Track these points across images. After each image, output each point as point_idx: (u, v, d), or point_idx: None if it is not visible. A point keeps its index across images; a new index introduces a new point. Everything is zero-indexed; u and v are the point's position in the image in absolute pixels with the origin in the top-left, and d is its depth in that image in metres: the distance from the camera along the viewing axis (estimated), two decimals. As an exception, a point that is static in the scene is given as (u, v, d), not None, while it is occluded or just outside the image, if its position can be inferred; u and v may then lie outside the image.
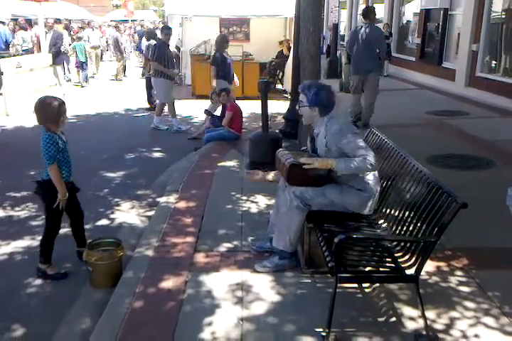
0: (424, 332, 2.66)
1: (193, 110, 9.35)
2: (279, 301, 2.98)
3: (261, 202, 4.58)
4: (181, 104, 9.50)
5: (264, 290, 3.09)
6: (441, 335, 2.66)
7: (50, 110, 3.43)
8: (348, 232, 2.94)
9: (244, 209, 4.42)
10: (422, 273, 2.76)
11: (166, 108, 8.45)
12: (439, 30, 12.03)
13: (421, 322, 2.72)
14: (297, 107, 3.32)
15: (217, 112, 7.63)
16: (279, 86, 12.30)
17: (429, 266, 3.28)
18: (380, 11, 16.14)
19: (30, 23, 16.30)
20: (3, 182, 5.72)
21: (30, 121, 9.02)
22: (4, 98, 9.44)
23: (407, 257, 2.72)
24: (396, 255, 2.80)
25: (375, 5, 16.88)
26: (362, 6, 17.92)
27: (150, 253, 3.61)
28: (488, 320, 2.78)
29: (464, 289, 3.10)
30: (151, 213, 4.64)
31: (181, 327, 2.73)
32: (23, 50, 13.69)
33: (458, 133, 7.28)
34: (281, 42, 12.38)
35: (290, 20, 11.23)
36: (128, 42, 15.83)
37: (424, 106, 9.33)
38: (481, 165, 5.68)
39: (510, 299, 2.98)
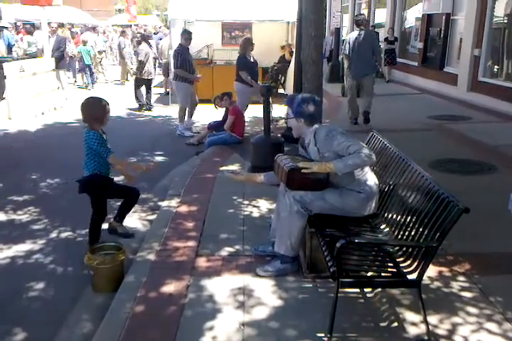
0: (426, 338, 2.65)
1: (195, 114, 9.35)
2: (280, 306, 2.97)
3: (263, 206, 4.58)
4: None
5: (266, 294, 3.09)
6: (443, 341, 2.65)
7: (96, 109, 3.74)
8: (349, 237, 2.94)
9: (245, 213, 4.42)
10: (424, 278, 2.75)
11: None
12: (441, 35, 12.04)
13: (423, 328, 2.71)
14: (285, 120, 3.36)
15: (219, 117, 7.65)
16: (281, 90, 12.32)
17: (431, 271, 3.27)
18: (382, 16, 16.21)
19: (32, 28, 16.36)
20: (5, 185, 5.74)
21: (33, 124, 9.08)
22: (7, 102, 9.48)
23: (409, 262, 2.71)
24: (398, 260, 2.80)
25: (377, 10, 17.00)
26: (364, 11, 17.98)
27: (152, 257, 3.61)
28: (491, 326, 2.77)
29: (466, 294, 3.09)
30: (152, 217, 4.64)
31: (183, 332, 2.73)
32: (27, 54, 13.77)
33: (460, 138, 7.28)
34: (283, 47, 12.40)
35: (292, 25, 11.25)
36: (130, 46, 15.90)
37: (426, 110, 9.34)
38: (482, 170, 5.67)
39: (513, 304, 2.97)
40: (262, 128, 5.83)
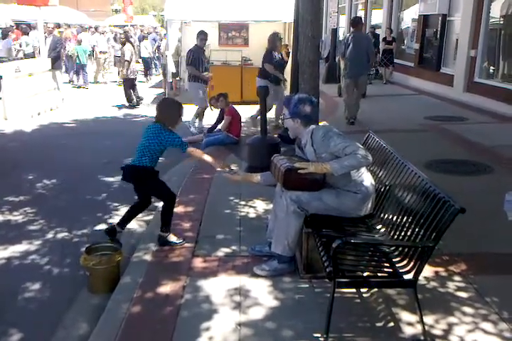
0: (422, 338, 2.66)
1: (191, 115, 9.35)
2: (277, 306, 2.97)
3: (259, 206, 4.58)
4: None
5: (262, 295, 3.09)
6: (439, 341, 2.66)
7: (173, 111, 3.78)
8: (346, 237, 2.94)
9: (242, 213, 4.43)
10: (420, 278, 2.76)
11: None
12: (438, 35, 12.07)
13: (419, 328, 2.72)
14: (281, 121, 3.37)
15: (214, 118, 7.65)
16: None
17: (427, 271, 3.28)
18: (379, 17, 16.23)
19: (28, 28, 16.33)
20: (1, 186, 5.72)
21: (29, 125, 9.05)
22: (3, 102, 9.45)
23: (405, 262, 2.72)
24: (394, 260, 2.80)
25: (373, 11, 17.03)
26: (360, 12, 18.02)
27: (148, 258, 3.61)
28: (487, 326, 2.78)
29: (462, 294, 3.10)
30: (149, 218, 4.64)
31: (179, 333, 2.73)
32: (25, 55, 13.76)
33: (456, 139, 7.30)
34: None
35: (289, 26, 11.26)
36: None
37: (422, 111, 9.36)
38: (478, 171, 5.69)
39: (509, 304, 2.98)
40: (259, 128, 5.83)
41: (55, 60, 11.20)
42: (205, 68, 8.26)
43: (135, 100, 11.20)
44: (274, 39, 8.04)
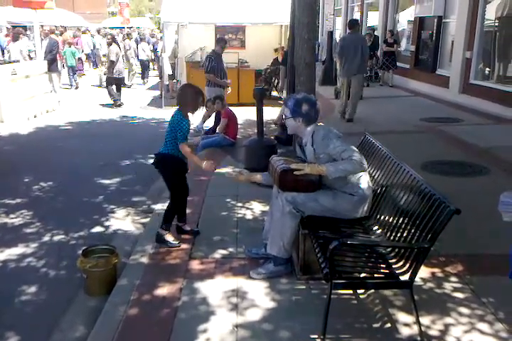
0: (418, 338, 2.67)
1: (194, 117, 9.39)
2: (274, 308, 2.97)
3: (256, 208, 4.58)
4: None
5: (259, 296, 3.09)
6: (435, 341, 2.67)
7: (188, 97, 3.79)
8: (342, 238, 2.95)
9: (239, 215, 4.43)
10: (417, 279, 2.77)
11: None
12: (433, 37, 12.12)
13: (415, 329, 2.72)
14: (283, 121, 3.37)
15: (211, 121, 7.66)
16: (274, 93, 12.36)
17: (424, 272, 3.29)
18: (375, 19, 16.29)
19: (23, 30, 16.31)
20: (-2, 189, 5.71)
21: (25, 127, 9.04)
22: (-1, 105, 9.44)
23: (401, 263, 2.72)
24: (390, 261, 2.81)
25: (369, 12, 17.09)
26: (357, 14, 18.07)
27: (145, 260, 3.61)
28: (483, 326, 2.79)
29: (458, 295, 3.11)
30: (146, 220, 4.63)
31: (176, 335, 2.73)
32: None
33: (452, 140, 7.33)
34: (276, 50, 12.45)
35: (285, 28, 11.29)
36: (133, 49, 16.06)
37: (418, 113, 9.39)
38: (474, 172, 5.71)
39: (505, 305, 2.99)
40: (256, 130, 5.84)
41: (51, 63, 11.19)
42: (223, 74, 8.27)
43: (118, 98, 11.53)
44: None
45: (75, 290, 3.48)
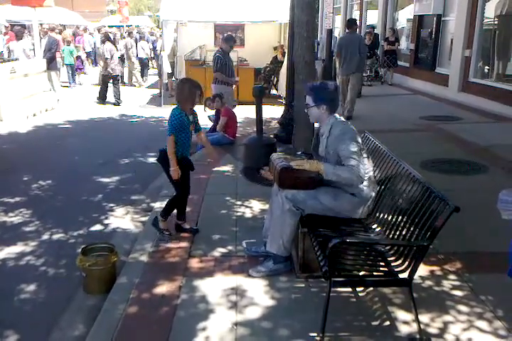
0: (417, 336, 2.67)
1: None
2: (273, 306, 2.98)
3: (255, 206, 4.58)
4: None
5: (259, 294, 3.09)
6: (434, 339, 2.67)
7: (183, 92, 3.77)
8: (342, 237, 2.95)
9: (238, 214, 4.43)
10: (415, 277, 2.77)
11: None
12: (433, 36, 12.12)
13: (414, 326, 2.73)
14: (305, 110, 3.33)
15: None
16: (273, 91, 12.34)
17: (423, 270, 3.29)
18: (374, 17, 16.27)
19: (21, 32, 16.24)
20: (-3, 187, 5.70)
21: (24, 126, 9.03)
22: (-2, 103, 9.42)
23: (400, 261, 2.73)
24: (389, 259, 2.82)
25: (368, 11, 17.06)
26: (356, 12, 18.05)
27: (144, 258, 3.61)
28: (482, 324, 2.80)
29: (457, 293, 3.11)
30: (145, 218, 4.63)
31: (175, 333, 2.73)
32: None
33: (451, 138, 7.33)
34: (275, 48, 12.44)
35: (284, 26, 11.27)
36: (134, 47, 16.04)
37: (418, 111, 9.39)
38: (474, 170, 5.71)
39: (503, 303, 2.99)
40: (255, 128, 5.84)
41: (50, 61, 11.18)
42: (231, 72, 8.25)
43: (114, 99, 11.64)
44: None
45: (74, 288, 3.48)
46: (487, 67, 10.23)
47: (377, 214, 3.27)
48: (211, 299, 3.04)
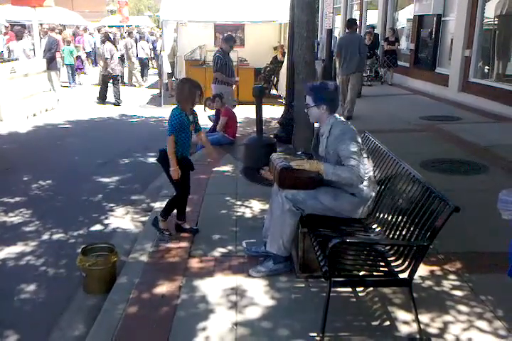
0: (417, 336, 2.67)
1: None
2: (273, 306, 2.98)
3: (255, 206, 4.58)
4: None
5: (259, 294, 3.09)
6: (434, 339, 2.67)
7: (183, 92, 3.77)
8: (342, 237, 2.95)
9: (238, 214, 4.43)
10: (416, 277, 2.77)
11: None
12: (433, 36, 12.11)
13: (414, 326, 2.73)
14: (305, 110, 3.32)
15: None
16: (273, 91, 12.34)
17: (423, 270, 3.29)
18: (374, 17, 16.26)
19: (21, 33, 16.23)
20: (-3, 187, 5.70)
21: (24, 126, 9.03)
22: (-2, 103, 9.42)
23: (400, 261, 2.73)
24: (389, 259, 2.82)
25: (368, 11, 17.05)
26: (356, 12, 18.05)
27: (144, 258, 3.61)
28: (482, 324, 2.80)
29: (457, 293, 3.11)
30: (145, 218, 4.63)
31: (175, 333, 2.73)
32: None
33: (451, 138, 7.33)
34: (275, 48, 12.44)
35: (284, 26, 11.27)
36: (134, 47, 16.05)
37: (418, 111, 9.39)
38: (474, 170, 5.71)
39: (503, 303, 2.99)
40: (255, 128, 5.84)
41: (50, 61, 11.18)
42: (231, 72, 8.24)
43: (114, 99, 11.69)
44: None
45: (74, 288, 3.48)
46: (487, 67, 10.23)
47: (377, 214, 3.27)
48: (211, 299, 3.04)
